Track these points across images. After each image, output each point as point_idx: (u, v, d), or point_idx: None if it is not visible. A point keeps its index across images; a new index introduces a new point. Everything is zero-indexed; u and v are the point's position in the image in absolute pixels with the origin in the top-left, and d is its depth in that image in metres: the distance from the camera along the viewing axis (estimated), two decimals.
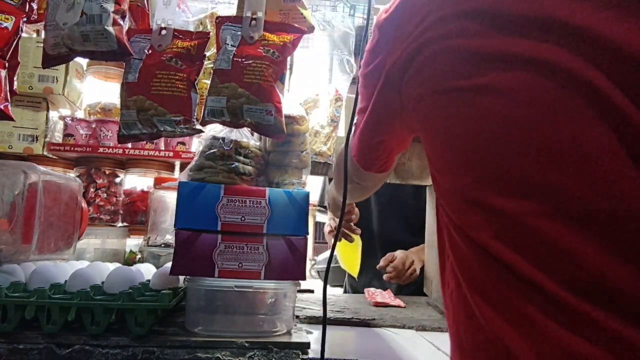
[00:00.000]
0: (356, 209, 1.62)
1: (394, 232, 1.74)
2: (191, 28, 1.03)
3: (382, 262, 1.61)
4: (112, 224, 1.48)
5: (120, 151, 1.43)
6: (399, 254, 1.60)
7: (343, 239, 1.61)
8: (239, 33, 0.91)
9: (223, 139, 0.93)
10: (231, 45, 0.90)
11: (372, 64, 0.68)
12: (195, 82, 0.93)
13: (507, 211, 0.49)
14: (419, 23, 0.58)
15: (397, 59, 0.61)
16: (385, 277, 1.59)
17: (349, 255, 1.67)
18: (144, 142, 1.42)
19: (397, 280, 1.57)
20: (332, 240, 0.90)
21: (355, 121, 0.79)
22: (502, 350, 0.49)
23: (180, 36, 0.94)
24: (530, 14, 0.50)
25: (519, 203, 0.48)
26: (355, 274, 1.68)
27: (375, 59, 0.67)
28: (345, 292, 1.92)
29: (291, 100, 1.02)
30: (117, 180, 1.53)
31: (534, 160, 0.48)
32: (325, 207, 1.96)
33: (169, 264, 0.85)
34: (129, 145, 1.42)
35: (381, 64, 0.65)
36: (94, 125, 1.48)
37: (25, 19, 0.94)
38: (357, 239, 1.62)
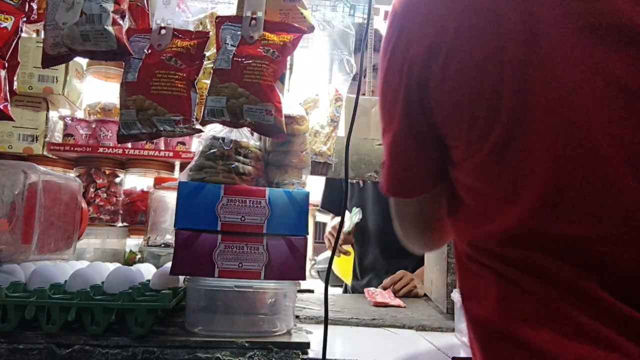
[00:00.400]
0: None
1: (393, 236, 1.74)
2: (191, 28, 1.03)
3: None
4: (112, 224, 1.48)
5: (120, 151, 1.43)
6: (398, 273, 1.55)
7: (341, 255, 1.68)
8: (239, 33, 0.91)
9: (223, 139, 0.93)
10: (231, 45, 0.90)
11: (391, 62, 0.61)
12: (195, 82, 0.93)
13: (575, 236, 0.49)
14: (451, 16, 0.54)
15: (428, 50, 0.55)
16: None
17: (343, 264, 1.74)
18: (144, 142, 1.42)
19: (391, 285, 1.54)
20: (336, 238, 0.91)
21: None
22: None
23: (180, 36, 0.94)
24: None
25: (586, 227, 0.49)
26: (348, 281, 1.75)
27: (394, 54, 0.60)
28: (345, 292, 1.92)
29: (291, 100, 1.02)
30: (117, 180, 1.53)
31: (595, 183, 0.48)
32: (326, 210, 1.97)
33: (169, 264, 0.85)
34: (129, 145, 1.42)
35: (403, 58, 0.58)
36: (93, 125, 1.48)
37: (24, 19, 0.94)
38: (351, 249, 1.70)
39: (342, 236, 1.68)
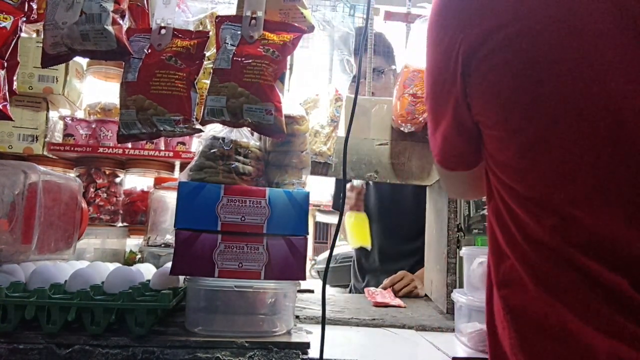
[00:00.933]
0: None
1: (391, 241, 1.77)
2: (191, 28, 1.03)
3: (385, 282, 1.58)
4: (112, 224, 1.48)
5: (120, 151, 1.43)
6: (399, 273, 1.55)
7: (352, 213, 1.69)
8: (239, 32, 0.91)
9: (223, 138, 0.93)
10: (231, 44, 0.90)
11: (442, 41, 0.62)
12: (195, 82, 0.93)
13: (608, 234, 0.50)
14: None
15: (479, 36, 0.57)
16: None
17: (359, 229, 1.70)
18: (144, 142, 1.42)
19: (391, 286, 1.53)
20: (334, 238, 0.91)
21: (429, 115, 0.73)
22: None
23: (180, 35, 0.94)
24: None
25: (620, 226, 0.49)
26: (368, 244, 1.70)
27: (444, 33, 0.61)
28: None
29: (291, 100, 1.02)
30: (117, 180, 1.53)
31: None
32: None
33: (169, 264, 0.85)
34: (129, 145, 1.42)
35: (453, 37, 0.59)
36: (94, 125, 1.48)
37: (24, 19, 0.94)
38: (363, 215, 1.69)
39: (354, 196, 1.72)
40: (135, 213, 1.49)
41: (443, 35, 0.61)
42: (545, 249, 0.54)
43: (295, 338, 0.84)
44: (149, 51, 0.93)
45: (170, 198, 1.29)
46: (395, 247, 1.75)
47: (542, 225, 0.54)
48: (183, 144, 1.47)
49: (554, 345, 0.52)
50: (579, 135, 0.51)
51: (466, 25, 0.58)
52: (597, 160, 0.51)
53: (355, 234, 1.71)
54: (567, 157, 0.52)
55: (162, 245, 1.27)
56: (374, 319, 1.07)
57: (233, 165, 0.90)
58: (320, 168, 1.21)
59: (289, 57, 0.93)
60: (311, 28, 0.98)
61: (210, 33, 0.98)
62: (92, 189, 1.47)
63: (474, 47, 0.57)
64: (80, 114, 1.57)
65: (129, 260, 1.40)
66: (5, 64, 0.91)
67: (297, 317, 1.04)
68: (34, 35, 1.50)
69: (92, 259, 1.30)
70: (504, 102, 0.56)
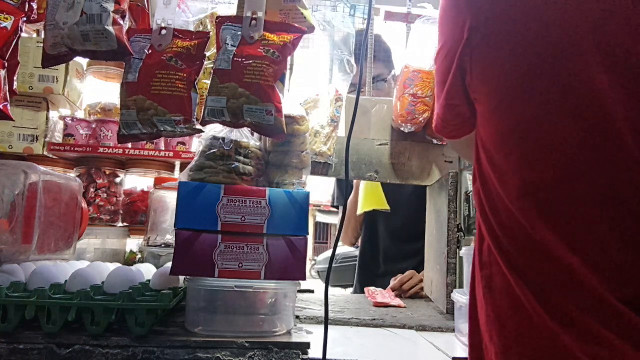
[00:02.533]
0: None
1: (398, 244, 1.78)
2: (191, 28, 1.03)
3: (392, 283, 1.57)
4: (112, 224, 1.48)
5: (120, 151, 1.43)
6: (408, 272, 1.54)
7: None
8: (239, 33, 0.91)
9: (223, 138, 0.93)
10: (231, 45, 0.90)
11: (451, 18, 0.65)
12: (195, 82, 0.93)
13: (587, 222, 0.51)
14: None
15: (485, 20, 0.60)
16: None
17: (373, 192, 1.69)
18: (144, 142, 1.42)
19: (398, 290, 1.53)
20: (336, 238, 0.91)
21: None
22: (559, 348, 0.50)
23: (180, 36, 0.94)
24: None
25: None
26: (384, 206, 1.68)
27: (450, 26, 0.65)
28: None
29: (291, 100, 1.02)
30: (117, 180, 1.53)
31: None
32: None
33: (169, 264, 0.85)
34: (129, 145, 1.42)
35: (462, 16, 0.62)
36: (94, 125, 1.48)
37: (24, 19, 0.94)
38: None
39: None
40: (135, 213, 1.49)
41: (455, 13, 0.64)
42: (517, 234, 0.56)
43: (295, 338, 0.85)
44: (150, 51, 0.93)
45: (170, 198, 1.29)
46: (399, 247, 1.76)
47: (515, 205, 0.56)
48: (183, 144, 1.47)
49: (525, 330, 0.54)
50: (565, 120, 0.54)
51: (474, 4, 0.61)
52: (580, 144, 0.53)
53: (370, 196, 1.69)
54: (549, 139, 0.54)
55: (162, 245, 1.27)
56: (374, 319, 1.07)
57: (233, 165, 0.90)
58: (320, 168, 1.21)
59: (289, 58, 0.93)
60: (311, 28, 0.98)
61: (211, 33, 0.98)
62: (92, 189, 1.47)
63: (477, 26, 0.60)
64: (80, 114, 1.57)
65: (129, 260, 1.40)
66: (6, 64, 0.91)
67: (297, 317, 1.04)
68: (34, 35, 1.50)
69: (92, 259, 1.30)
70: (502, 79, 0.59)
